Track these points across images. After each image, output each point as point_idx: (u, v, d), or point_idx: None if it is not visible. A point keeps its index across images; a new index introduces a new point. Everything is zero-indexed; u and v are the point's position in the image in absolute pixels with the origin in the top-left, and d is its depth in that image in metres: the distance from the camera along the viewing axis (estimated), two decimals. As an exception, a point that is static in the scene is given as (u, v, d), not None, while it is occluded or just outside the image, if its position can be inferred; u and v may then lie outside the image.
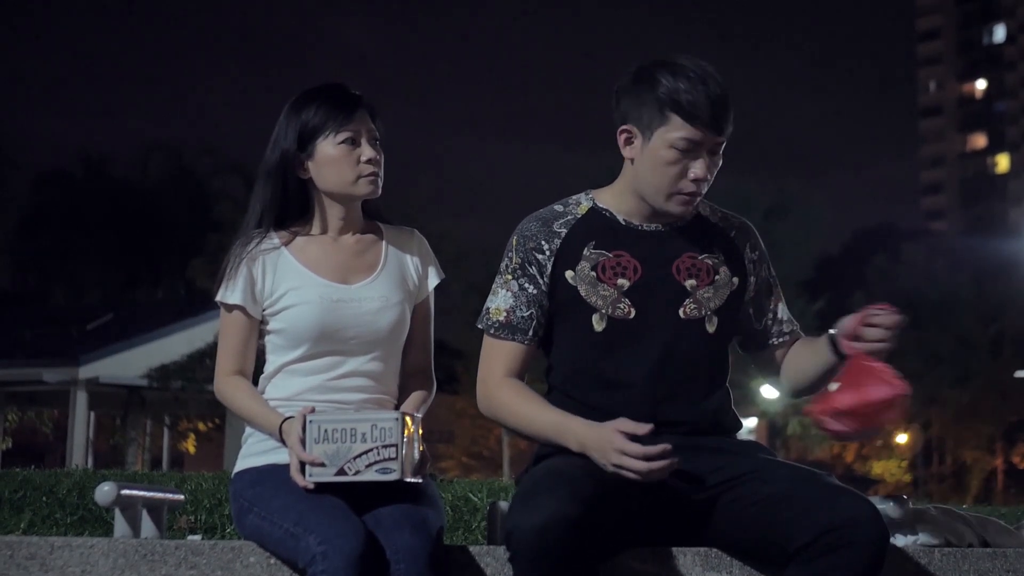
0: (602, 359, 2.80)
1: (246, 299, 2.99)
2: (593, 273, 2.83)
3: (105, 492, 3.07)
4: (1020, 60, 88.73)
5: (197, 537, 3.39)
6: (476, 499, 5.11)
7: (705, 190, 2.80)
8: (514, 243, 2.88)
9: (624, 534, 2.72)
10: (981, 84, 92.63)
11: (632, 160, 2.82)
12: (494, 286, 2.90)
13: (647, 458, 2.55)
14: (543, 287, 2.85)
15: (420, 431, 2.85)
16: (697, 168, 2.74)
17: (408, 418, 2.77)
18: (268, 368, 3.03)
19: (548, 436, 2.75)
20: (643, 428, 2.58)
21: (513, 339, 2.85)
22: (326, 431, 2.76)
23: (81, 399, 26.11)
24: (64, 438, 27.11)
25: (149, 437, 29.67)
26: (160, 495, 3.25)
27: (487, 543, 3.18)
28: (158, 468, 27.55)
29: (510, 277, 2.87)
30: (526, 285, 2.85)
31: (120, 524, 3.14)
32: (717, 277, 2.87)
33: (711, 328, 2.83)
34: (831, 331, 2.79)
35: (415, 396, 3.06)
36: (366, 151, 3.00)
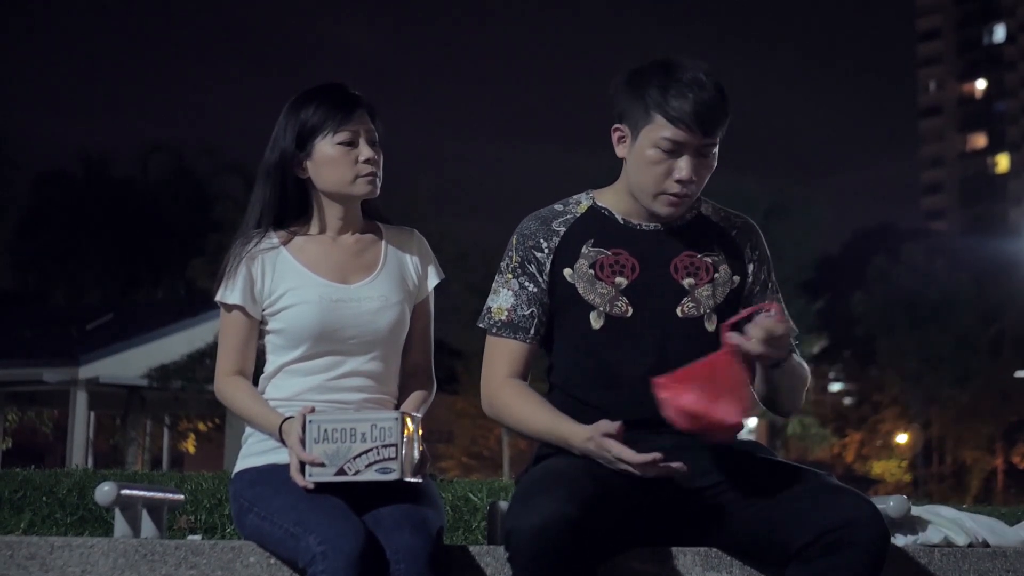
0: (600, 357, 2.81)
1: (245, 299, 2.99)
2: (591, 271, 2.83)
3: (105, 492, 3.07)
4: (1020, 60, 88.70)
5: (197, 537, 3.39)
6: (476, 499, 5.10)
7: (695, 191, 2.79)
8: (514, 242, 2.89)
9: (624, 534, 2.72)
10: (981, 84, 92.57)
11: (625, 159, 2.83)
12: (495, 285, 2.91)
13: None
14: (543, 285, 2.85)
15: (420, 431, 2.85)
16: (682, 169, 2.74)
17: (408, 418, 2.77)
18: (268, 368, 3.03)
19: (546, 440, 2.77)
20: (614, 427, 2.59)
21: (515, 338, 2.86)
22: (326, 431, 2.76)
23: (81, 399, 26.09)
24: (64, 438, 27.10)
25: (149, 437, 29.65)
26: (160, 495, 3.25)
27: (487, 543, 3.18)
28: (158, 468, 27.54)
29: (510, 276, 2.88)
30: (526, 284, 2.86)
31: (120, 524, 3.14)
32: (716, 276, 2.87)
33: (710, 327, 2.83)
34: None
35: (415, 396, 3.06)
36: (364, 151, 3.00)
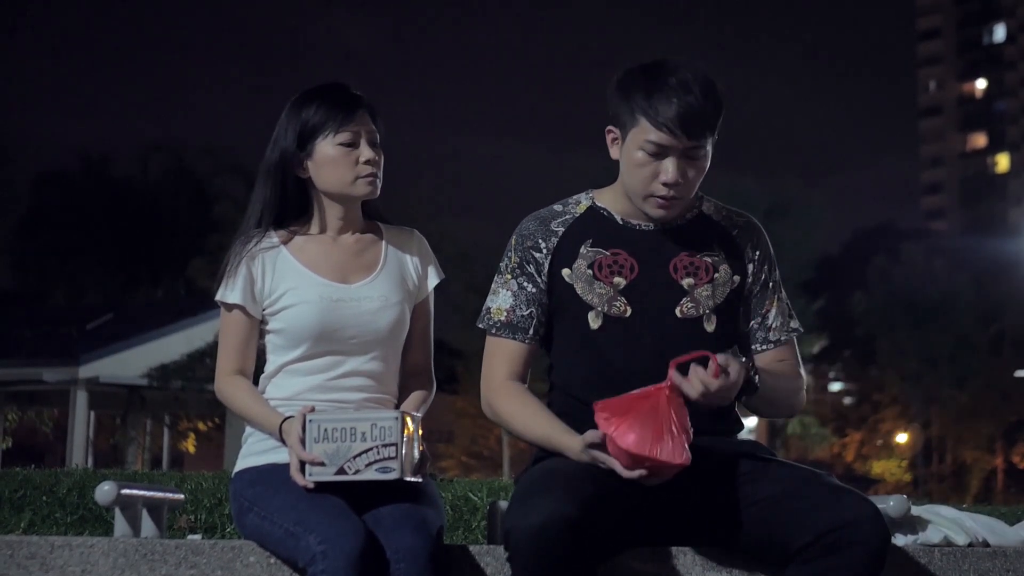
0: (599, 357, 2.81)
1: (245, 298, 2.99)
2: (590, 271, 2.83)
3: (105, 491, 3.07)
4: (1020, 60, 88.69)
5: (197, 537, 3.38)
6: (476, 498, 5.10)
7: (684, 193, 2.78)
8: (513, 242, 2.90)
9: (623, 534, 2.72)
10: (981, 84, 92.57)
11: (617, 160, 2.83)
12: (494, 286, 2.91)
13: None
14: (542, 286, 2.85)
15: (420, 431, 2.85)
16: (668, 172, 2.74)
17: (408, 417, 2.77)
18: (268, 368, 3.03)
19: (542, 446, 2.77)
20: (598, 435, 2.58)
21: (514, 338, 2.86)
22: (326, 430, 2.76)
23: (81, 399, 26.09)
24: (64, 438, 27.09)
25: (149, 437, 29.64)
26: (160, 494, 3.25)
27: (487, 543, 3.18)
28: (158, 468, 27.54)
29: (509, 276, 2.88)
30: (525, 284, 2.86)
31: (120, 523, 3.14)
32: (716, 275, 2.86)
33: (709, 327, 2.83)
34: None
35: (415, 396, 3.06)
36: (365, 152, 3.00)
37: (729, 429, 2.86)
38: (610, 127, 2.83)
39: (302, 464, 2.78)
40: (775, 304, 2.93)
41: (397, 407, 3.02)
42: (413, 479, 2.79)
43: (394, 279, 3.06)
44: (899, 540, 3.09)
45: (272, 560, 2.83)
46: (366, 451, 2.73)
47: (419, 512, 2.75)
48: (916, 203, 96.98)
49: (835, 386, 57.76)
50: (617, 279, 2.83)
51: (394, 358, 3.05)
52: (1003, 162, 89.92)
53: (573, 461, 2.66)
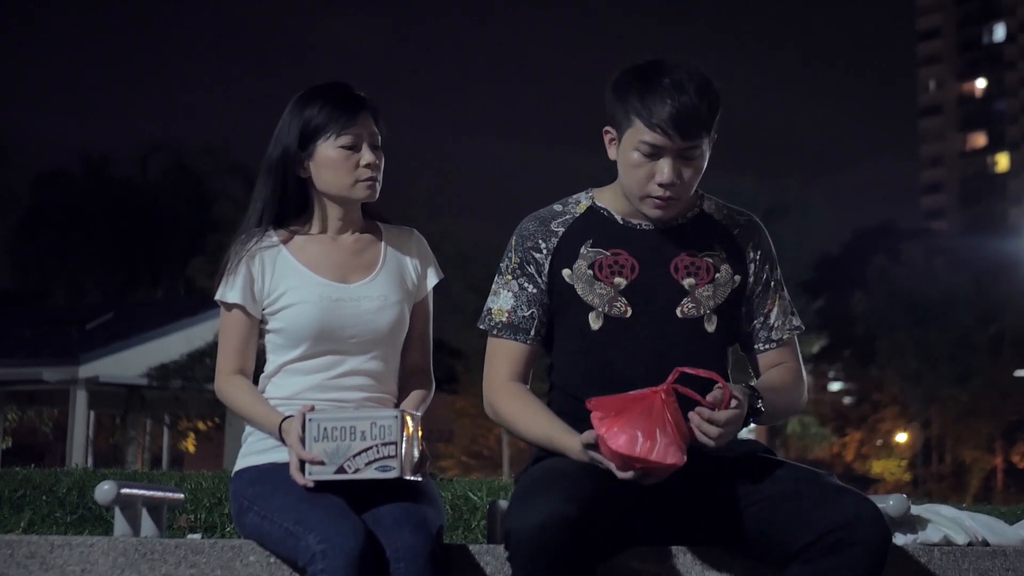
0: (599, 358, 2.80)
1: (245, 298, 2.99)
2: (590, 271, 2.83)
3: (105, 491, 3.07)
4: (1020, 59, 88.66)
5: (197, 536, 3.38)
6: (476, 498, 5.10)
7: (681, 193, 2.77)
8: (513, 243, 2.89)
9: (623, 534, 2.72)
10: (981, 83, 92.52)
11: (615, 161, 2.83)
12: (494, 286, 2.91)
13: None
14: (542, 286, 2.85)
15: (420, 430, 2.85)
16: (663, 172, 2.73)
17: (407, 416, 2.77)
18: (268, 367, 3.03)
19: (544, 446, 2.77)
20: (592, 436, 2.57)
21: (515, 339, 2.86)
22: (325, 429, 2.75)
23: (81, 398, 26.10)
24: (64, 437, 27.10)
25: (149, 436, 29.64)
26: (160, 494, 3.25)
27: (487, 542, 3.18)
28: (158, 467, 27.54)
29: (510, 277, 2.88)
30: (526, 284, 2.86)
31: (120, 523, 3.14)
32: (718, 275, 2.86)
33: (710, 327, 2.83)
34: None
35: (414, 395, 3.06)
36: (365, 156, 3.00)
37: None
38: (607, 127, 2.82)
39: (302, 463, 2.78)
40: (777, 303, 2.93)
41: (397, 406, 3.02)
42: (413, 478, 2.79)
43: (393, 279, 3.06)
44: (899, 539, 3.09)
45: (272, 559, 2.83)
46: (366, 450, 2.73)
47: (419, 511, 2.75)
48: (916, 203, 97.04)
49: (835, 386, 57.73)
50: (618, 279, 2.82)
51: (393, 357, 3.06)
52: (1003, 162, 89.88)
53: (573, 461, 2.66)
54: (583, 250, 2.85)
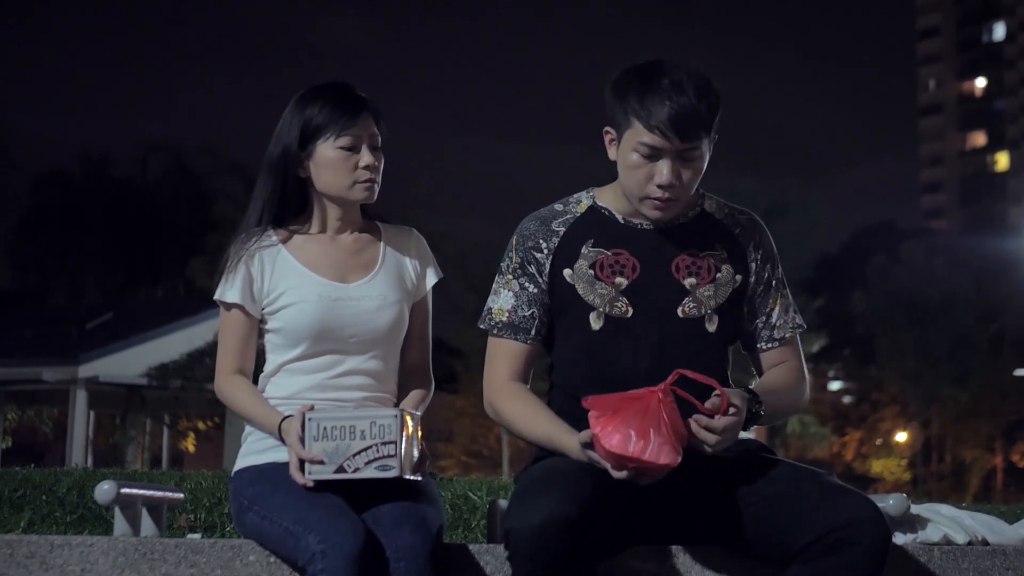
0: (600, 357, 2.80)
1: (244, 298, 2.99)
2: (591, 271, 2.83)
3: (105, 491, 3.07)
4: (1020, 58, 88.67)
5: (197, 536, 3.39)
6: (476, 497, 5.10)
7: (680, 194, 2.77)
8: (514, 243, 2.89)
9: (623, 533, 2.72)
10: (981, 82, 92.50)
11: (615, 161, 2.83)
12: (495, 286, 2.90)
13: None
14: (543, 286, 2.85)
15: (419, 429, 2.85)
16: (662, 174, 2.72)
17: (407, 415, 2.77)
18: (268, 367, 3.03)
19: (544, 446, 2.77)
20: (588, 435, 2.57)
21: (516, 339, 2.85)
22: (325, 429, 2.75)
23: (81, 398, 26.10)
24: (64, 437, 27.10)
25: (149, 436, 29.64)
26: (160, 494, 3.25)
27: (487, 542, 3.18)
28: (158, 467, 27.56)
29: (511, 277, 2.88)
30: (526, 284, 2.86)
31: (120, 523, 3.14)
32: (719, 275, 2.86)
33: (711, 327, 2.83)
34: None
35: (414, 394, 3.06)
36: (365, 157, 3.00)
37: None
38: (607, 128, 2.82)
39: (301, 462, 2.78)
40: (778, 302, 2.93)
41: (396, 405, 3.02)
42: (412, 477, 2.79)
43: (392, 278, 3.06)
44: (899, 539, 3.09)
45: (272, 559, 2.83)
46: (365, 449, 2.73)
47: (419, 511, 2.75)
48: (916, 202, 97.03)
49: (835, 385, 57.75)
50: (619, 279, 2.82)
51: (393, 357, 3.06)
52: (1003, 161, 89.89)
53: (573, 460, 2.66)
54: (584, 250, 2.85)
